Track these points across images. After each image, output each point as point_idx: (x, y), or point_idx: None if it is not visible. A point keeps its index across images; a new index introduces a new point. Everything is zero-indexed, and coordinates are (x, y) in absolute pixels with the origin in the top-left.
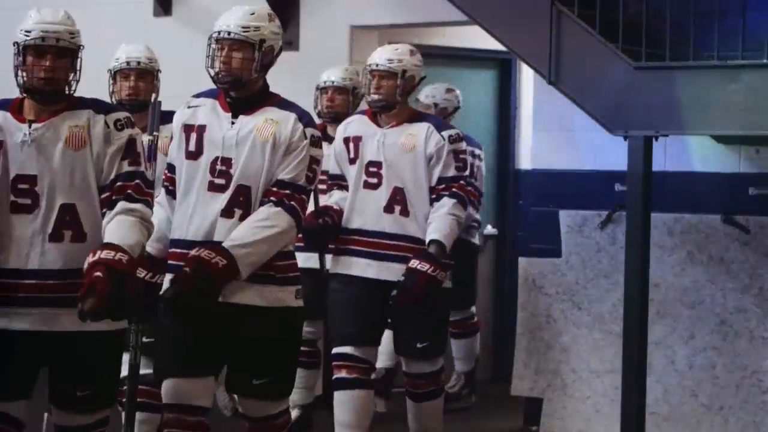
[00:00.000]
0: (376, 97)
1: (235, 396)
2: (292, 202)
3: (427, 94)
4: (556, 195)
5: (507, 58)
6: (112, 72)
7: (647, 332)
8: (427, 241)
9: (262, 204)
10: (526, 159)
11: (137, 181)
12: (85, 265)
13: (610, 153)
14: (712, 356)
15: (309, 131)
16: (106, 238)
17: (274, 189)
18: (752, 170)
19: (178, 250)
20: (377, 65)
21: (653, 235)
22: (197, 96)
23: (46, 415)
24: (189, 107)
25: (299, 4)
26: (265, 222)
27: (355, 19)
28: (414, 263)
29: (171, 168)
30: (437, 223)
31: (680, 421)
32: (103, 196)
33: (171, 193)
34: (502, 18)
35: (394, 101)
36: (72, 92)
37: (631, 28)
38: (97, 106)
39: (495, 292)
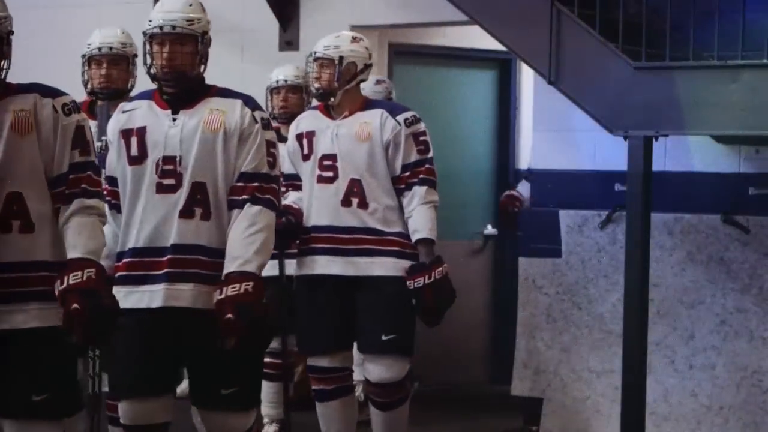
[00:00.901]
0: (316, 85)
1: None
2: (266, 195)
3: None
4: (556, 195)
5: (507, 58)
6: (85, 58)
7: (647, 332)
8: (413, 241)
9: (233, 204)
10: (526, 159)
11: (89, 172)
12: (56, 291)
13: (610, 153)
14: (712, 356)
15: (258, 114)
16: (69, 246)
17: (241, 184)
18: (752, 170)
19: (128, 260)
20: (315, 53)
21: (653, 235)
22: (130, 100)
23: None
24: (123, 112)
25: (299, 4)
26: (252, 228)
27: (355, 19)
28: (409, 284)
29: (112, 181)
30: (416, 218)
31: (680, 421)
32: (57, 190)
33: (115, 207)
34: (502, 18)
35: (332, 89)
36: (3, 79)
37: (631, 28)
38: (42, 90)
39: (495, 293)
